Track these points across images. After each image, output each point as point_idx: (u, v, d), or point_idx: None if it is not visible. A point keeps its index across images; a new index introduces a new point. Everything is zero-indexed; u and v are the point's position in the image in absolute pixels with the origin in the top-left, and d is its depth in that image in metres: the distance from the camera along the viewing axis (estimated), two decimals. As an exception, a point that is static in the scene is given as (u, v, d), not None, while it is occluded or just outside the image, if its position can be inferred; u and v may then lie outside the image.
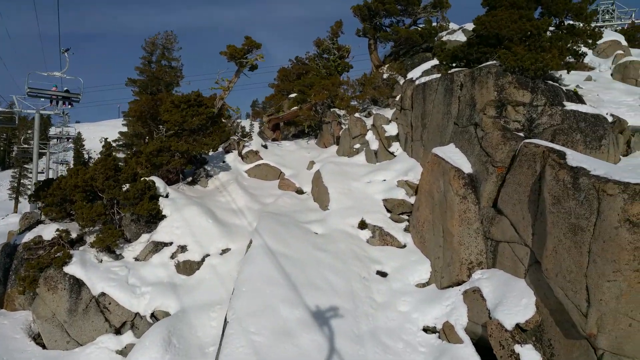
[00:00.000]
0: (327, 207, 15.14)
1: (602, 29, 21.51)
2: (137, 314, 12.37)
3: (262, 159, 21.09)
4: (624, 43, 23.27)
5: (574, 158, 9.66)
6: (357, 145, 19.43)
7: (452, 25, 26.42)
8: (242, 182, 19.03)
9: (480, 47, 14.42)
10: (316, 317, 9.87)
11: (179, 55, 40.50)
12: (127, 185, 15.14)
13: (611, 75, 20.67)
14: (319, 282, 10.99)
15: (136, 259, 14.08)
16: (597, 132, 12.65)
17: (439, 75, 16.10)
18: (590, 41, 14.16)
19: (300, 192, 18.37)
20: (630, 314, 7.86)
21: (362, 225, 14.29)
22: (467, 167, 13.15)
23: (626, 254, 7.82)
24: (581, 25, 14.28)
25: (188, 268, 13.54)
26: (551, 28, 14.87)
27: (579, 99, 13.94)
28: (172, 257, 13.81)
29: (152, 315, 12.21)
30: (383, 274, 12.79)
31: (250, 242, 12.66)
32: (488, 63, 13.75)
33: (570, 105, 13.06)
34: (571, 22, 14.71)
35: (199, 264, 13.62)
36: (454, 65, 16.54)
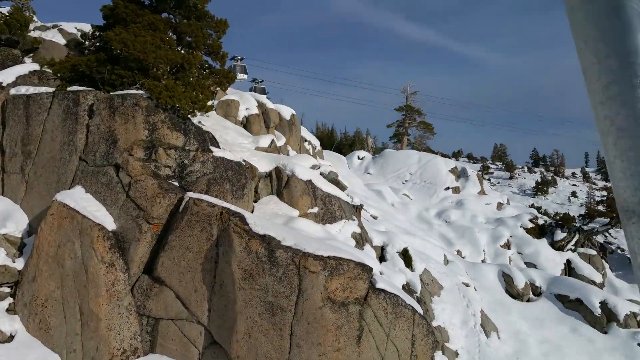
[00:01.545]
0: None
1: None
2: None
3: None
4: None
5: (256, 223, 9.36)
6: None
7: (37, 19, 21.73)
8: None
9: (117, 68, 12.19)
10: None
11: None
12: None
13: (215, 110, 22.24)
14: None
15: None
16: (241, 181, 12.99)
17: (52, 89, 12.57)
18: (226, 83, 14.51)
19: None
20: (329, 393, 8.08)
21: None
22: (109, 222, 10.73)
23: (330, 335, 8.02)
24: (217, 66, 14.44)
25: None
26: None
27: (217, 143, 13.95)
28: None
29: None
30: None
31: None
32: (133, 92, 11.75)
33: (217, 152, 12.87)
34: (208, 59, 14.67)
35: None
36: (68, 78, 13.35)
